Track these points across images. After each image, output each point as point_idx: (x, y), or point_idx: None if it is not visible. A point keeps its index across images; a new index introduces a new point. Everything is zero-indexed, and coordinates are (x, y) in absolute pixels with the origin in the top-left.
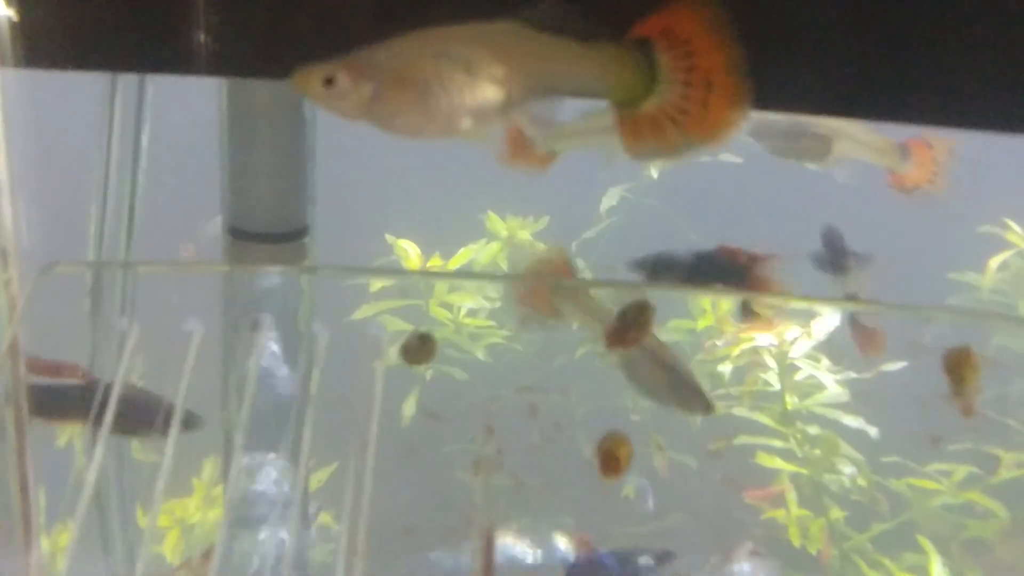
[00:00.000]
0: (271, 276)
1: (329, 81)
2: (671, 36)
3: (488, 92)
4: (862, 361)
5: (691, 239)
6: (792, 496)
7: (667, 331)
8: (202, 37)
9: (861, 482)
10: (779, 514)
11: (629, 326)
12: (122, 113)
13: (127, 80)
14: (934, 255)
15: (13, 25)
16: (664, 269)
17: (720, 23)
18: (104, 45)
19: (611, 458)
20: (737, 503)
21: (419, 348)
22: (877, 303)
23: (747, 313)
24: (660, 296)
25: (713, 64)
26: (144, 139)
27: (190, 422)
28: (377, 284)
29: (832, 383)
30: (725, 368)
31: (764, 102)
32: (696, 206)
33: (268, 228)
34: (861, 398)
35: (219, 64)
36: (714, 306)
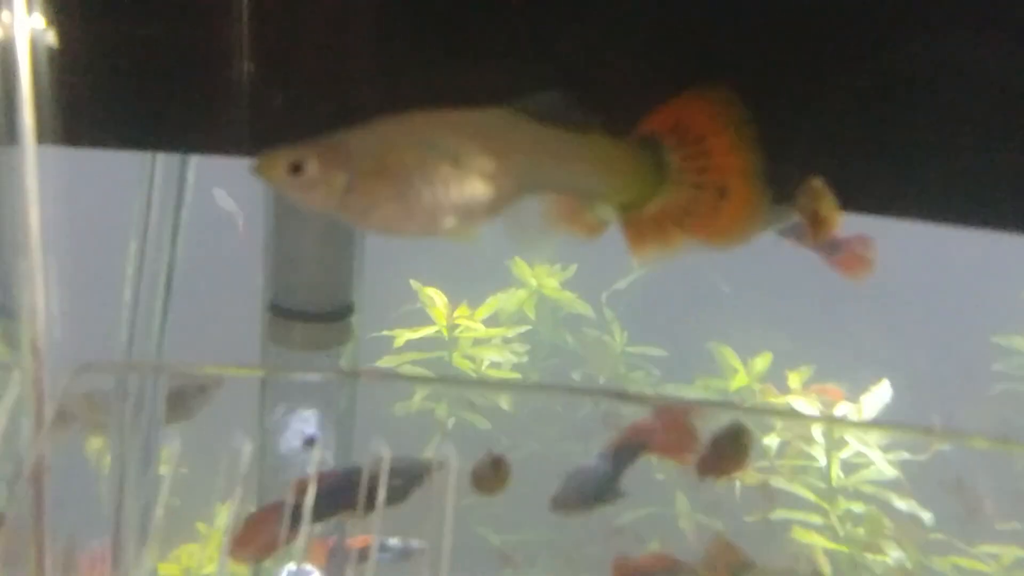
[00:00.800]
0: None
1: (297, 168)
2: (682, 133)
3: (476, 188)
4: (916, 440)
5: (723, 292)
6: (826, 570)
7: (696, 389)
8: (243, 117)
9: (908, 565)
10: None
11: (724, 454)
12: (161, 193)
13: (168, 160)
14: (979, 317)
15: (53, 101)
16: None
17: (739, 118)
18: (146, 124)
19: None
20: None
21: (492, 474)
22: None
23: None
24: (688, 350)
25: (728, 166)
26: (184, 218)
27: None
28: (402, 338)
29: (882, 461)
30: (772, 441)
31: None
32: (730, 258)
33: (311, 307)
34: (913, 479)
35: (260, 144)
36: (747, 366)
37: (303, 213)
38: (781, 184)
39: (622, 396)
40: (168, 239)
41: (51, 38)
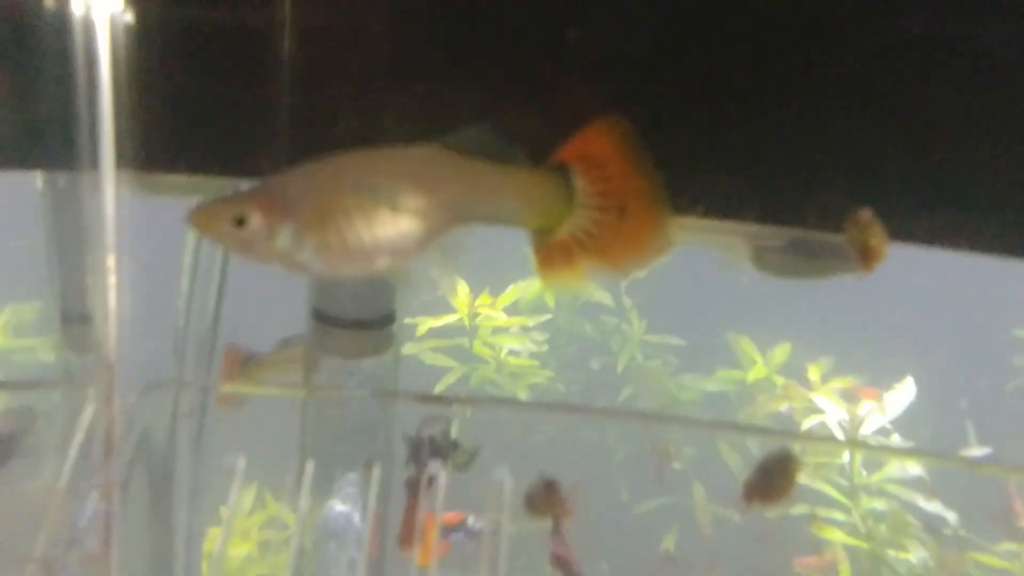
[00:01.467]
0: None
1: (240, 221)
2: (588, 160)
3: (412, 227)
4: (938, 441)
5: (743, 282)
6: (846, 568)
7: (713, 381)
8: (286, 141)
9: (930, 563)
10: None
11: (772, 478)
12: None
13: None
14: (1000, 312)
15: (128, 129)
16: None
17: (638, 146)
18: (214, 151)
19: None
20: (784, 568)
21: (545, 498)
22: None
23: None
24: (706, 341)
25: (627, 188)
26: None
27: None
28: (424, 326)
29: (910, 462)
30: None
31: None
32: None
33: (355, 314)
34: (938, 478)
35: None
36: (765, 358)
37: None
38: (827, 215)
39: (671, 420)
40: (220, 254)
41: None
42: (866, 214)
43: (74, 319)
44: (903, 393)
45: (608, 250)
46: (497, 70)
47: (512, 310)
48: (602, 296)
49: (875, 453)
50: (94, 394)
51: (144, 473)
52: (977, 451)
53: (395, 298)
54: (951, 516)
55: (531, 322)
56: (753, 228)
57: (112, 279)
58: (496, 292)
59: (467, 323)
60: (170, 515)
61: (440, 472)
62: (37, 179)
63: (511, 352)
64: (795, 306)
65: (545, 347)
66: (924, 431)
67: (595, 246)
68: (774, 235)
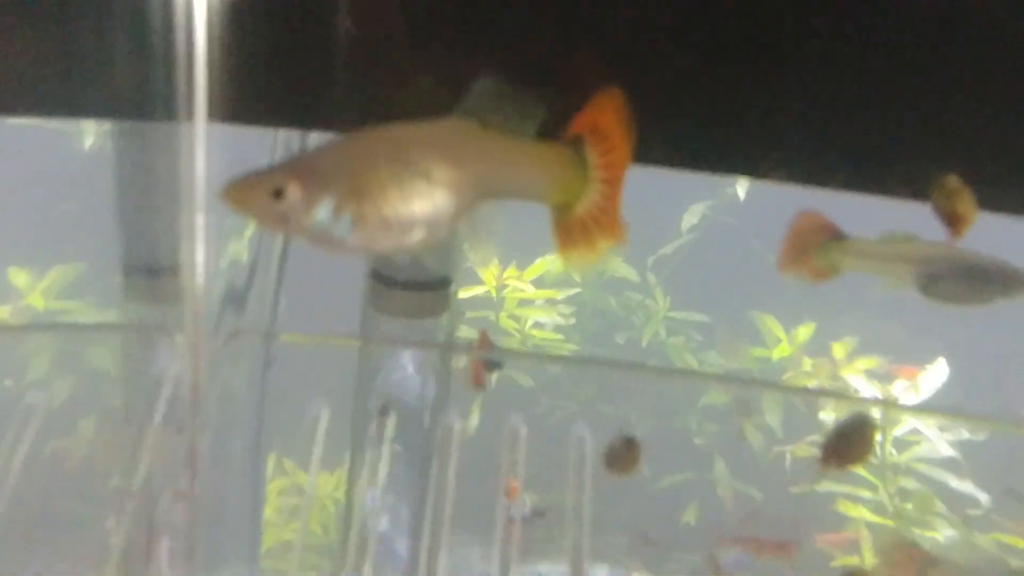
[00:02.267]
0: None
1: (278, 193)
2: (596, 133)
3: (445, 200)
4: (975, 421)
5: (769, 260)
6: (868, 544)
7: (737, 357)
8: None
9: (959, 543)
10: (851, 560)
11: (850, 443)
12: None
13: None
14: None
15: (220, 82)
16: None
17: (629, 117)
18: (298, 103)
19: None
20: (806, 545)
21: (626, 454)
22: None
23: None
24: (731, 318)
25: (625, 161)
26: None
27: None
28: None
29: (942, 442)
30: (828, 416)
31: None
32: (780, 228)
33: (412, 276)
34: (971, 459)
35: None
36: (790, 336)
37: None
38: (915, 182)
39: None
40: None
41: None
42: (953, 180)
43: (142, 271)
44: (936, 373)
45: (618, 224)
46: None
47: (539, 283)
48: (627, 272)
49: (909, 429)
50: (181, 341)
51: (225, 418)
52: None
53: (453, 260)
54: (983, 497)
55: (559, 295)
56: (916, 252)
57: (201, 229)
58: (523, 265)
59: (494, 295)
60: (248, 459)
61: (521, 427)
62: (102, 134)
63: (536, 325)
64: (822, 285)
65: (572, 320)
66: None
67: (608, 221)
68: (942, 262)
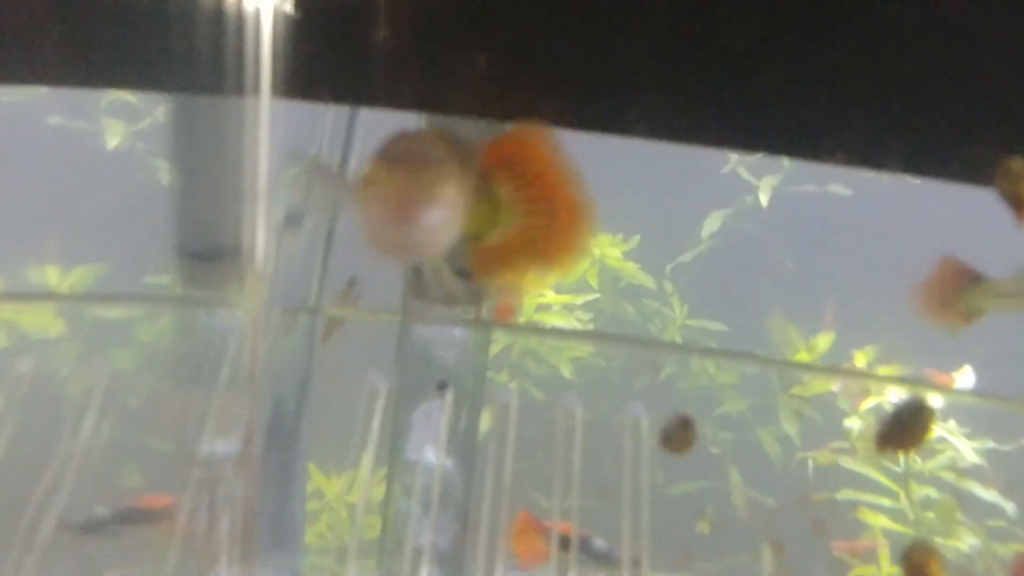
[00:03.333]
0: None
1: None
2: (509, 166)
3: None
4: (1003, 430)
5: (788, 268)
6: (886, 553)
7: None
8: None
9: (982, 552)
10: (868, 571)
11: (905, 428)
12: (329, 146)
13: (339, 114)
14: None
15: (280, 58)
16: None
17: (553, 142)
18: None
19: (920, 572)
20: (822, 553)
21: (681, 434)
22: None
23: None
24: (749, 326)
25: (552, 190)
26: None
27: None
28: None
29: (968, 450)
30: (852, 424)
31: None
32: (800, 236)
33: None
34: (997, 469)
35: (428, 101)
36: (808, 344)
37: None
38: (975, 166)
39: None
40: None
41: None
42: (1016, 163)
43: (198, 255)
44: (963, 380)
45: (547, 251)
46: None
47: (557, 289)
48: (645, 279)
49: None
50: (242, 317)
51: (281, 389)
52: None
53: None
54: (1009, 507)
55: (578, 300)
56: None
57: (263, 209)
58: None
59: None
60: (297, 431)
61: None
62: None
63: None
64: (841, 294)
65: (590, 326)
66: (983, 418)
67: (534, 250)
68: None
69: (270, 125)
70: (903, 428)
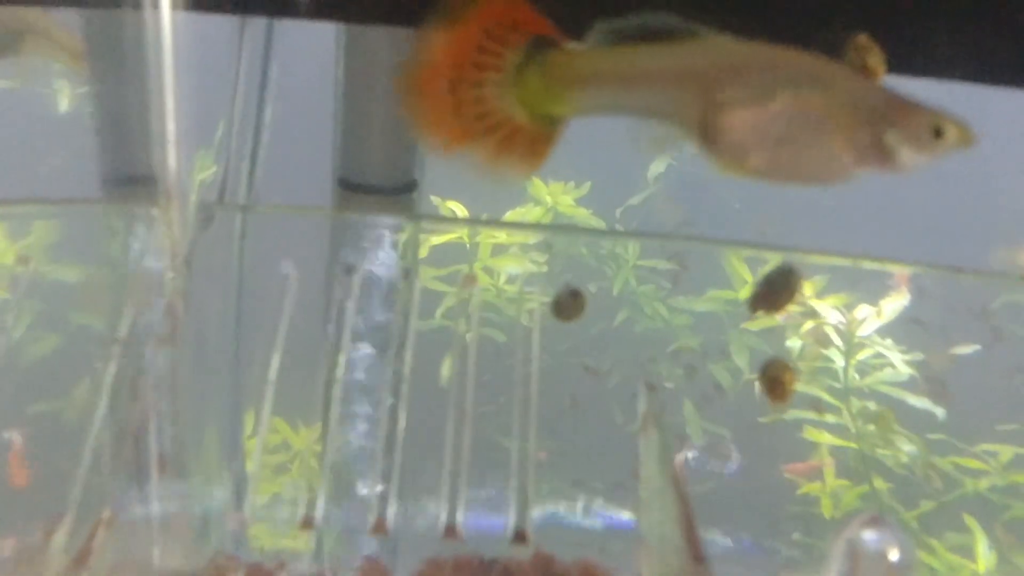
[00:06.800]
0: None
1: (938, 133)
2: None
3: None
4: (934, 343)
5: (735, 208)
6: (831, 468)
7: (705, 302)
8: None
9: (920, 460)
10: (815, 487)
11: (777, 291)
12: (248, 63)
13: (255, 30)
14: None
15: None
16: None
17: None
18: None
19: (776, 384)
20: (775, 477)
21: (571, 304)
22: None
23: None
24: (699, 264)
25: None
26: (269, 90)
27: None
28: (424, 249)
29: (900, 363)
30: (794, 344)
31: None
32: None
33: (378, 181)
34: (929, 379)
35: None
36: (756, 275)
37: (371, 92)
38: (832, 48)
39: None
40: (254, 108)
41: None
42: (863, 38)
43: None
44: (898, 299)
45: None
46: None
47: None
48: (597, 223)
49: (872, 354)
50: (159, 214)
51: (201, 281)
52: (968, 348)
53: (416, 167)
54: (939, 412)
55: (531, 239)
56: None
57: (171, 108)
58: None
59: (467, 241)
60: (224, 318)
61: None
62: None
63: (510, 279)
64: (788, 228)
65: (545, 268)
66: (918, 335)
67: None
68: None
69: (174, 39)
70: (773, 291)
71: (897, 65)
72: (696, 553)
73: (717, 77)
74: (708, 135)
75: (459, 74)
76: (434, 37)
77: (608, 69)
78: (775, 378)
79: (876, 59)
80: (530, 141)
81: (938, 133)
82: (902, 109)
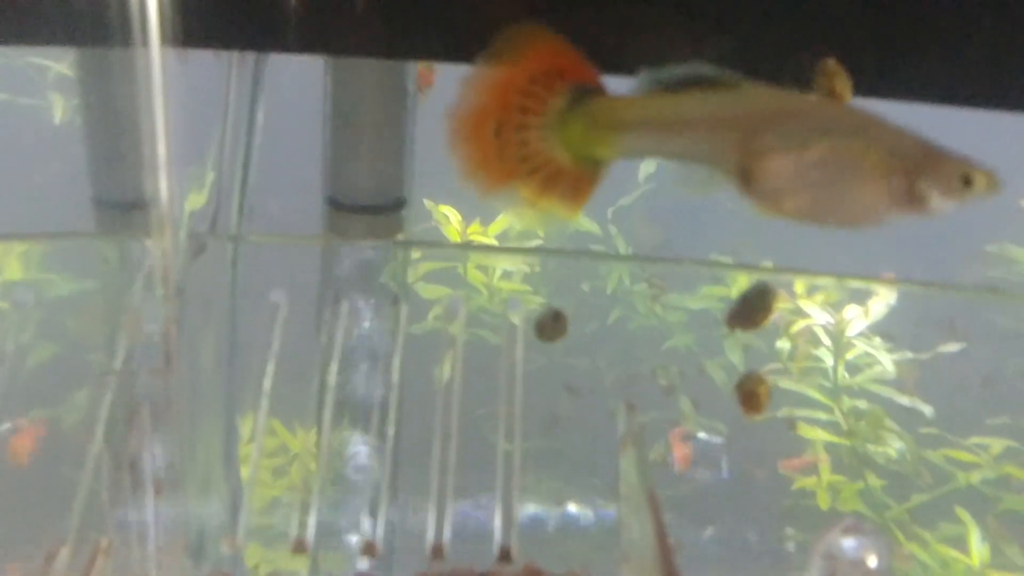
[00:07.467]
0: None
1: (967, 182)
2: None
3: None
4: (920, 341)
5: (727, 207)
6: (826, 463)
7: (698, 299)
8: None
9: (908, 457)
10: (810, 482)
11: (753, 309)
12: (237, 91)
13: (244, 60)
14: (971, 227)
15: (172, 5)
16: None
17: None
18: (249, 26)
19: (752, 396)
20: (770, 473)
21: (552, 325)
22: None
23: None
24: (690, 263)
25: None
26: (259, 116)
27: None
28: (419, 252)
29: (888, 362)
30: (784, 345)
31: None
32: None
33: (366, 200)
34: (916, 377)
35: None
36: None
37: (359, 116)
38: (800, 73)
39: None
40: (244, 135)
41: None
42: (831, 62)
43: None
44: (886, 299)
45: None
46: None
47: (503, 239)
48: (590, 226)
49: (860, 353)
50: (152, 244)
51: (194, 309)
52: (954, 346)
53: (405, 184)
54: (927, 409)
55: (525, 244)
56: None
57: (163, 146)
58: (487, 223)
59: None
60: (218, 346)
61: None
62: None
63: (504, 274)
64: (779, 228)
65: (538, 269)
66: (906, 333)
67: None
68: None
69: (164, 75)
70: (749, 309)
71: (864, 88)
72: (670, 571)
73: (755, 125)
74: (747, 180)
75: (505, 117)
76: (481, 81)
77: (650, 117)
78: (751, 391)
79: (843, 84)
80: (573, 181)
81: (967, 181)
82: (934, 158)
